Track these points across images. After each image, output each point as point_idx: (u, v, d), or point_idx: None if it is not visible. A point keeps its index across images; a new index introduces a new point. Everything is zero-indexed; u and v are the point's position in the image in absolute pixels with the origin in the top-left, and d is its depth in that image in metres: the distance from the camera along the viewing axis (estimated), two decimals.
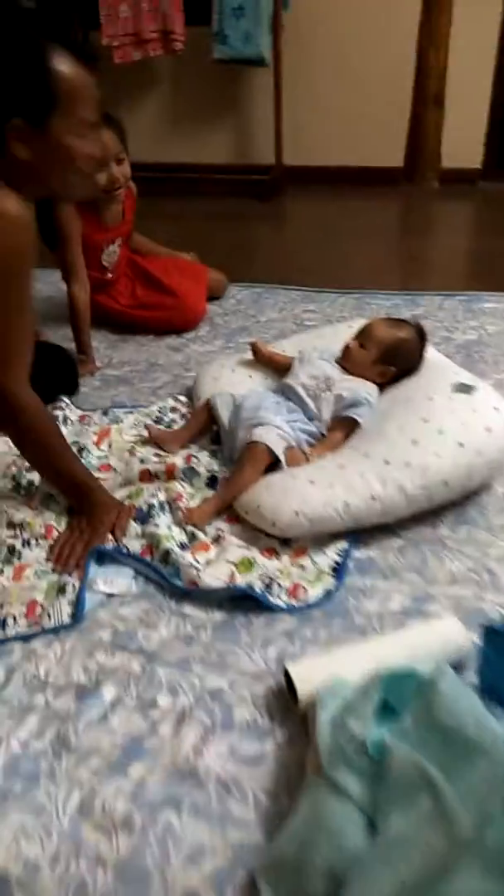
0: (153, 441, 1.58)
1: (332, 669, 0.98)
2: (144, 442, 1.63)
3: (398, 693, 0.85)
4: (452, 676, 0.81)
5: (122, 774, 0.95)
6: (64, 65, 1.15)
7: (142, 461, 1.53)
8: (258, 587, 1.20)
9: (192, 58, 3.81)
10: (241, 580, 1.25)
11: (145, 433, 1.68)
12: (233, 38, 3.72)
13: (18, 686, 1.08)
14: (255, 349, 1.78)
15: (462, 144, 3.90)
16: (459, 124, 3.85)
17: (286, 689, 1.03)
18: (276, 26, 3.69)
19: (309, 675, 0.98)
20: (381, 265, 2.84)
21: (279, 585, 1.20)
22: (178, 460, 1.50)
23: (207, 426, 1.60)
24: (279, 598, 1.19)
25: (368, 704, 0.83)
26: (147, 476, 1.47)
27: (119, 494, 1.45)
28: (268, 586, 1.20)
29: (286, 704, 1.02)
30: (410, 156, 4.00)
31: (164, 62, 4.00)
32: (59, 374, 1.89)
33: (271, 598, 1.18)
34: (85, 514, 1.38)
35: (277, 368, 1.74)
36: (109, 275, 2.23)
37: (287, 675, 1.01)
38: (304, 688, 0.97)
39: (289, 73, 3.83)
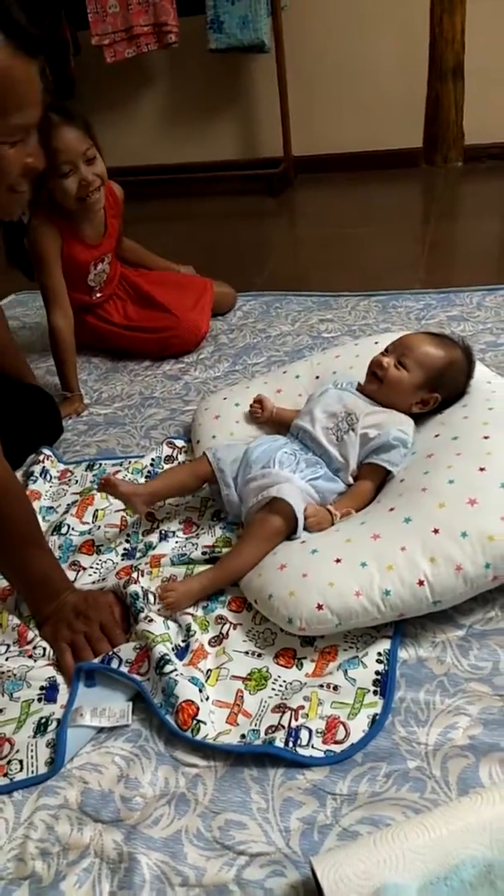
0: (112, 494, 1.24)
1: (379, 873, 0.67)
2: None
3: None
4: None
5: None
6: None
7: (128, 539, 1.24)
8: (280, 736, 0.87)
9: (186, 51, 3.53)
10: (251, 701, 0.94)
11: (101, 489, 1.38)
12: (229, 24, 3.42)
13: None
14: (256, 406, 1.44)
15: (486, 118, 3.53)
16: (482, 96, 3.49)
17: (316, 890, 0.72)
18: (276, 7, 3.38)
19: (346, 883, 0.67)
20: (404, 258, 2.50)
21: (308, 730, 0.88)
22: (168, 545, 1.20)
23: (193, 487, 1.29)
24: (312, 748, 0.87)
25: None
26: (127, 572, 1.17)
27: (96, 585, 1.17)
28: (294, 733, 0.88)
29: None
30: (429, 135, 3.64)
31: (158, 59, 3.73)
32: (39, 421, 1.61)
33: (302, 752, 0.86)
34: (49, 622, 1.09)
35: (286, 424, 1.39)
36: (97, 295, 1.94)
37: (315, 874, 0.70)
38: None
39: (292, 57, 3.52)
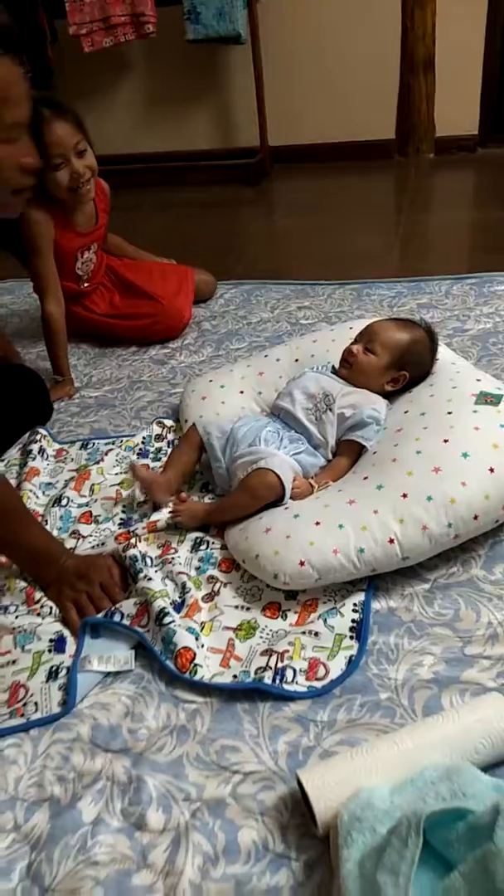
0: (140, 485, 1.35)
1: (355, 779, 0.79)
2: (130, 483, 1.45)
3: (444, 837, 0.66)
4: None
5: None
6: None
7: (124, 510, 1.34)
8: (269, 675, 0.99)
9: (164, 41, 3.59)
10: (242, 648, 1.06)
11: (129, 472, 1.49)
12: (206, 15, 3.49)
13: None
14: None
15: (456, 110, 3.66)
16: (452, 89, 3.61)
17: (301, 800, 0.84)
18: (251, 0, 3.46)
19: (328, 789, 0.79)
20: (379, 247, 2.62)
21: (293, 670, 1.00)
22: (162, 514, 1.30)
23: (196, 458, 1.39)
24: (297, 684, 0.99)
25: (406, 856, 0.64)
26: (126, 537, 1.27)
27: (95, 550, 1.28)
28: (280, 672, 1.00)
29: (303, 819, 0.84)
30: (402, 127, 3.76)
31: (136, 48, 3.79)
32: (30, 402, 1.70)
33: (287, 687, 0.98)
34: (53, 586, 1.19)
35: None
36: (85, 284, 2.03)
37: (301, 785, 0.82)
38: (322, 808, 0.78)
39: (268, 48, 3.61)
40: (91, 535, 1.33)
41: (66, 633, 1.12)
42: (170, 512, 1.25)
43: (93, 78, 3.91)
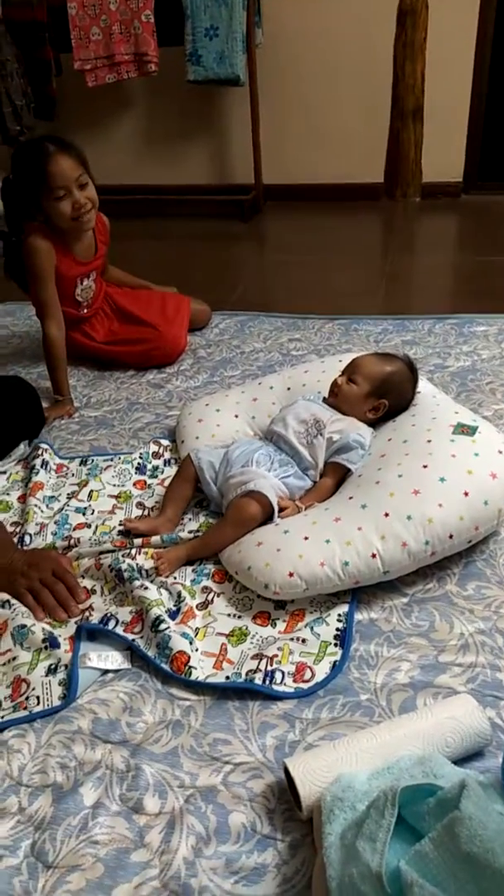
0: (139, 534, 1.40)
1: (337, 766, 0.88)
2: (126, 496, 1.53)
3: (417, 811, 0.74)
4: (478, 794, 0.70)
5: None
6: None
7: (121, 523, 1.43)
8: (259, 677, 1.08)
9: (166, 79, 3.74)
10: (234, 652, 1.14)
11: (127, 484, 1.57)
12: (206, 58, 3.64)
13: None
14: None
15: (443, 158, 3.83)
16: (439, 137, 3.79)
17: (287, 788, 0.92)
18: (250, 45, 3.62)
19: (312, 775, 0.87)
20: (365, 285, 2.75)
21: (281, 672, 1.09)
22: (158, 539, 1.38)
23: (191, 492, 1.47)
24: (284, 685, 1.07)
25: (383, 825, 0.72)
26: (122, 544, 1.36)
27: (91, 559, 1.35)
28: (270, 674, 1.08)
29: (288, 805, 0.92)
30: (390, 171, 3.93)
31: (137, 84, 3.93)
32: (23, 411, 1.78)
33: (276, 687, 1.07)
34: (2, 574, 1.26)
35: None
36: (84, 310, 2.13)
37: (288, 773, 0.90)
38: (307, 791, 0.86)
39: (265, 91, 3.76)
40: (89, 540, 1.41)
41: (55, 630, 1.19)
42: (152, 567, 1.29)
43: (95, 111, 4.05)
